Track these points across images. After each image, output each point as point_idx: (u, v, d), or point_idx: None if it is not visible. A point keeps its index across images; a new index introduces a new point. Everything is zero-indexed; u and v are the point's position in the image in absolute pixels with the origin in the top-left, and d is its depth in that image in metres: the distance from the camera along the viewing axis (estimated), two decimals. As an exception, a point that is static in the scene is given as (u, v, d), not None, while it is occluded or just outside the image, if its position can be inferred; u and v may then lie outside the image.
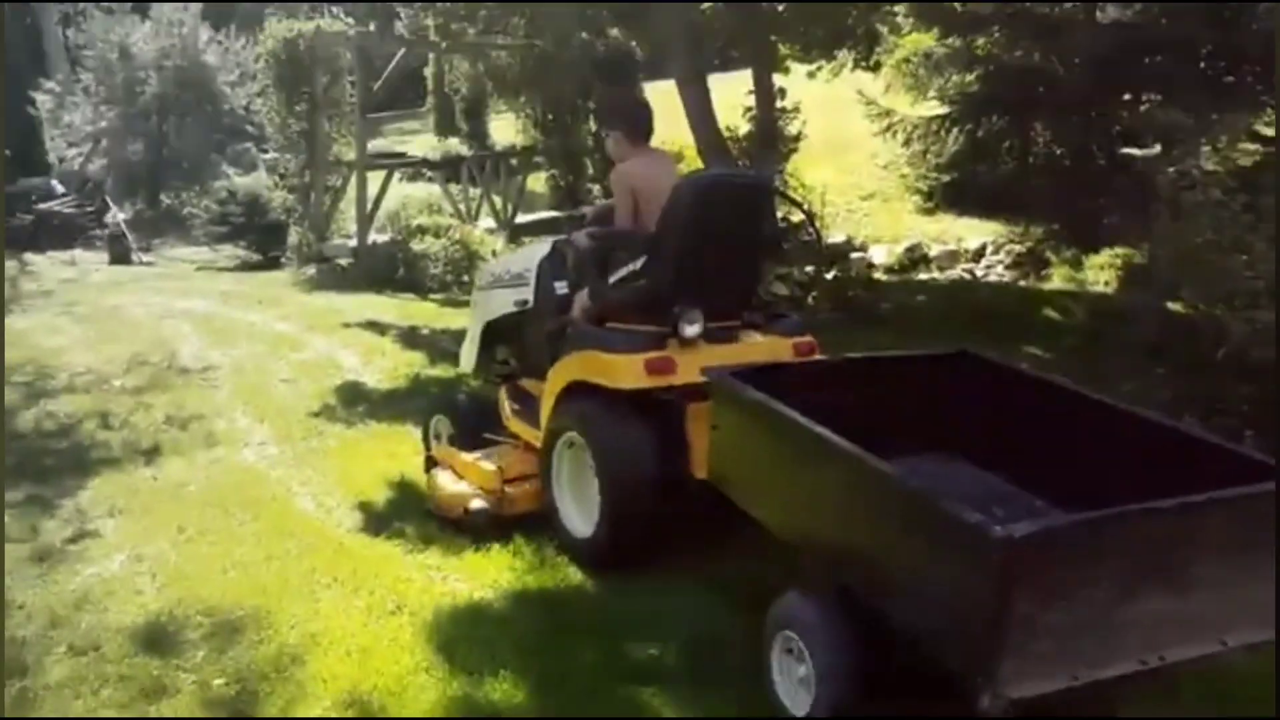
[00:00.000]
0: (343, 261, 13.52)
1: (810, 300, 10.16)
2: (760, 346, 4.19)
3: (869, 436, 2.80)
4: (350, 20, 14.41)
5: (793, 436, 2.98)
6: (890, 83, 15.18)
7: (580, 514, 4.30)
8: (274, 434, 6.51)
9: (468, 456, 4.88)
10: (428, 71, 21.86)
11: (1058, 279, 12.07)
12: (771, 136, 11.46)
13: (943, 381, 3.85)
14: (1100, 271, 11.85)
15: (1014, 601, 2.30)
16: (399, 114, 25.93)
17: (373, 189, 13.74)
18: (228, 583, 4.26)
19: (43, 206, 18.62)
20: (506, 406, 5.00)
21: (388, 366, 8.09)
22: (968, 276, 12.50)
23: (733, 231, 4.20)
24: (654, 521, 4.06)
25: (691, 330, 4.02)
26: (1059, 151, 14.54)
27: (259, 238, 14.86)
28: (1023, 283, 12.14)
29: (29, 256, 17.07)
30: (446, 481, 4.86)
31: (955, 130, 14.65)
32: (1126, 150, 14.03)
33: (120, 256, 16.08)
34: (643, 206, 4.35)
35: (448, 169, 14.97)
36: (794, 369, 3.94)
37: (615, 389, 4.00)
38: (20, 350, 9.14)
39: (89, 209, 19.02)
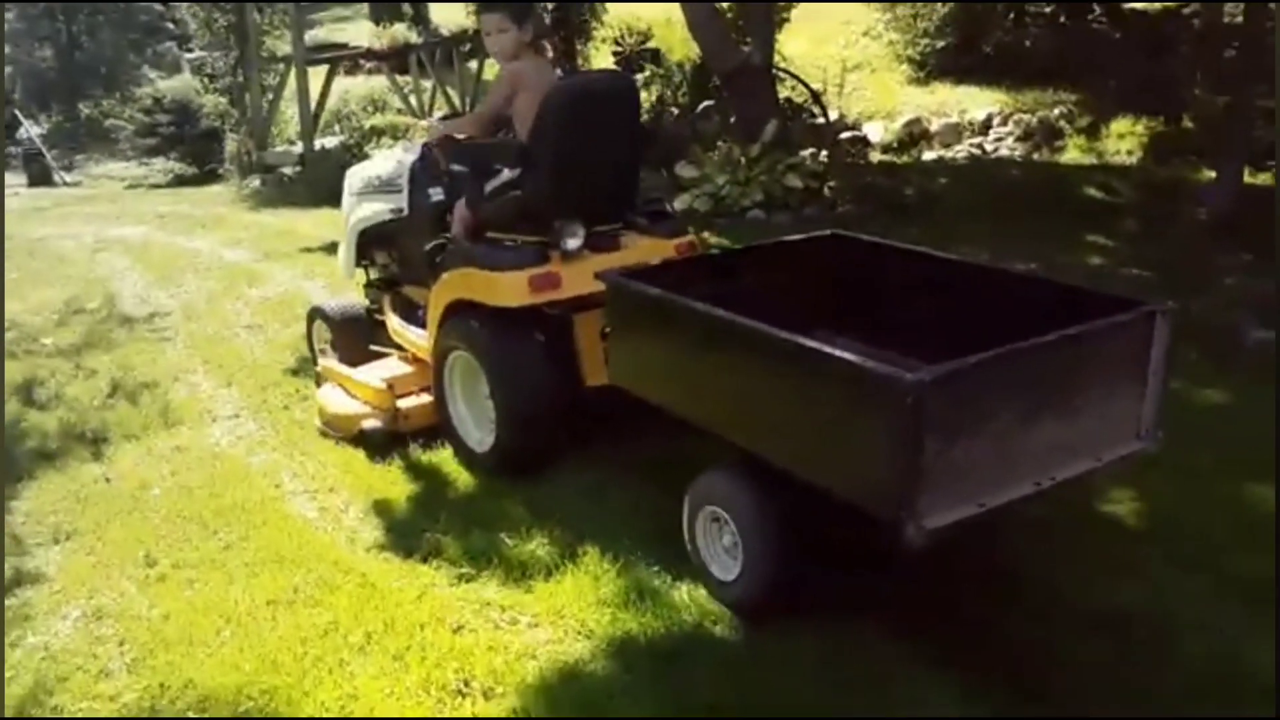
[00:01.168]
0: (288, 171, 12.01)
1: (826, 191, 8.97)
2: (643, 249, 4.11)
3: (753, 319, 2.91)
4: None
5: (695, 323, 3.10)
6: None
7: (478, 426, 4.20)
8: (245, 402, 5.27)
9: (355, 373, 4.71)
10: (358, -48, 19.75)
11: (1073, 151, 10.96)
12: (768, 6, 10.02)
13: (819, 263, 3.98)
14: (1120, 141, 10.76)
15: (927, 441, 2.44)
16: (332, 0, 23.72)
17: (314, 87, 12.11)
18: (223, 653, 3.09)
19: (-55, 124, 16.56)
20: (392, 318, 4.83)
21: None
22: (976, 152, 11.33)
23: (607, 135, 4.08)
24: (552, 432, 4.03)
25: (573, 243, 3.95)
26: (1050, 9, 13.34)
27: (192, 148, 13.21)
28: (1036, 156, 11.02)
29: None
30: (337, 399, 4.68)
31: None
32: (1130, 4, 12.87)
33: (40, 177, 14.32)
34: (521, 110, 4.13)
35: (395, 59, 13.30)
36: (678, 265, 3.96)
37: (500, 306, 3.90)
38: (-71, 302, 7.68)
39: (-2, 125, 17.02)
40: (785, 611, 3.06)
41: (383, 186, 4.79)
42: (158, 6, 18.41)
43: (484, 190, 4.18)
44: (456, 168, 4.28)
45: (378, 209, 4.79)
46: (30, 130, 15.64)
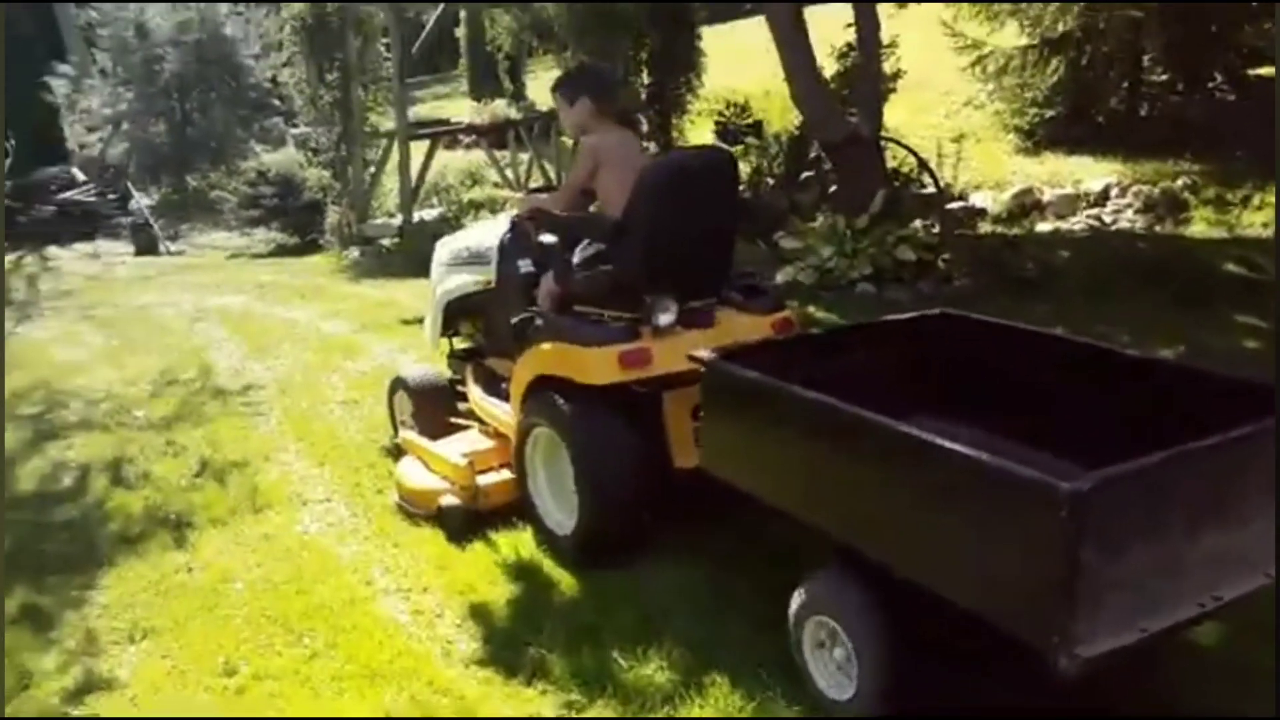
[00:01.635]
0: (387, 242, 11.92)
1: (939, 264, 8.46)
2: (737, 327, 3.92)
3: (858, 404, 2.68)
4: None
5: (801, 412, 2.82)
6: (958, 11, 13.38)
7: (560, 508, 3.97)
8: (337, 485, 4.95)
9: (435, 446, 4.54)
10: (459, 32, 20.06)
11: (1200, 223, 10.26)
12: (876, 77, 9.64)
13: (929, 344, 3.70)
14: (1256, 213, 10.03)
15: (1084, 557, 2.14)
16: (432, 79, 24.21)
17: (414, 162, 12.09)
18: (303, 790, 2.69)
19: (63, 196, 17.07)
20: (474, 389, 4.69)
21: (464, 377, 6.51)
22: (1095, 224, 10.70)
23: (703, 210, 3.91)
24: (637, 515, 3.78)
25: (665, 319, 3.80)
26: (1166, 77, 12.74)
27: (294, 219, 13.24)
28: (1159, 228, 10.34)
29: (52, 250, 15.57)
30: (414, 473, 4.51)
31: (1056, 60, 12.88)
32: (1254, 71, 12.20)
33: (146, 246, 14.54)
34: (605, 183, 4.06)
35: (494, 134, 13.25)
36: (777, 345, 3.73)
37: (587, 383, 3.71)
38: (33, 370, 7.62)
39: (111, 196, 17.48)
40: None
41: (471, 258, 4.73)
42: (266, 84, 18.85)
43: (572, 263, 4.07)
44: (546, 240, 4.21)
45: (465, 280, 4.73)
46: (140, 202, 16.00)
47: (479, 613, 3.59)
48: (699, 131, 15.16)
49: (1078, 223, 10.86)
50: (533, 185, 12.74)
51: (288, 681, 3.24)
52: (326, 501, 4.77)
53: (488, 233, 4.72)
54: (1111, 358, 3.24)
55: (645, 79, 15.06)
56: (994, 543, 2.30)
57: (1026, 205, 11.42)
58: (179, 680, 3.31)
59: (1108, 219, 10.79)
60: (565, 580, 3.78)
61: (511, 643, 3.36)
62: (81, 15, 19.00)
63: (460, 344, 5.10)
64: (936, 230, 8.74)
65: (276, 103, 19.17)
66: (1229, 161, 10.66)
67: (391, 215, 12.52)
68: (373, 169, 12.64)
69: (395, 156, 12.01)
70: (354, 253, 12.12)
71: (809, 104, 9.27)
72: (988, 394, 3.41)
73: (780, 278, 8.62)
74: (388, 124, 12.57)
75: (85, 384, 7.19)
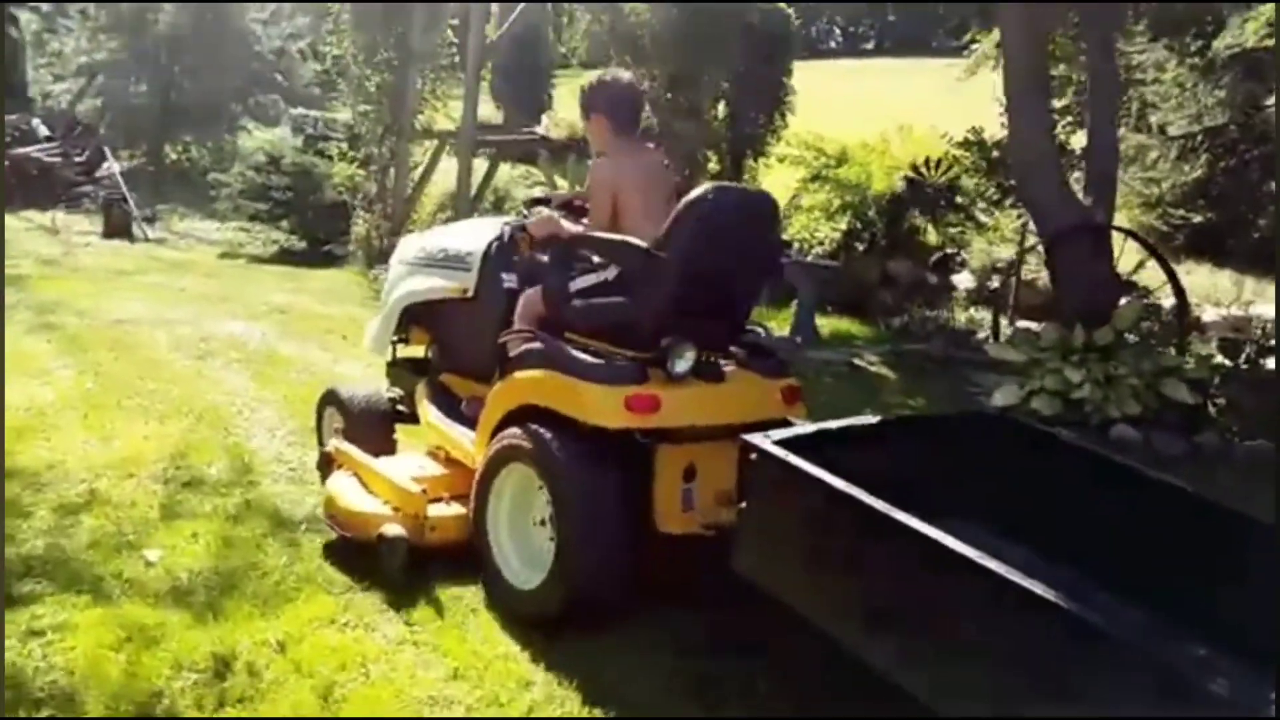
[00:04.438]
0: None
1: (1210, 408, 6.26)
2: (746, 387, 3.51)
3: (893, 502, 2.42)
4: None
5: (916, 546, 2.29)
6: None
7: (522, 559, 3.46)
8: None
9: (378, 464, 3.90)
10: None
11: None
12: (1113, 148, 7.43)
13: (970, 443, 3.26)
14: None
15: None
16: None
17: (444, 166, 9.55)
18: None
19: (19, 151, 14.01)
20: (427, 408, 4.10)
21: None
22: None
23: (740, 255, 3.50)
24: (623, 581, 3.27)
25: (682, 366, 3.33)
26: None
27: (310, 221, 10.50)
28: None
29: (-3, 215, 12.55)
30: (350, 492, 3.82)
31: (1202, 157, 10.97)
32: None
33: (119, 228, 11.66)
34: (622, 210, 3.60)
35: (566, 151, 10.76)
36: (826, 433, 3.09)
37: (585, 423, 3.24)
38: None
39: (77, 158, 14.47)
40: None
41: (447, 261, 4.16)
42: (270, 56, 16.06)
43: (569, 286, 3.61)
44: (539, 256, 3.74)
45: (434, 284, 4.17)
46: (114, 169, 13.04)
47: None
48: (776, 176, 12.93)
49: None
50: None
51: None
52: None
53: (469, 236, 4.17)
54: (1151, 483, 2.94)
55: (721, 112, 12.85)
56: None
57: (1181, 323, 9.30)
58: None
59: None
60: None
61: None
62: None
63: (404, 353, 4.52)
64: (1217, 360, 6.52)
65: (278, 78, 16.40)
66: None
67: (433, 232, 9.94)
68: (417, 173, 10.04)
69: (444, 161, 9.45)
70: (383, 272, 9.50)
71: (1034, 179, 7.02)
72: (1031, 504, 3.03)
73: (1000, 399, 6.39)
74: (442, 123, 10.00)
75: (50, 460, 4.53)
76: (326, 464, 4.13)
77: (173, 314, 7.69)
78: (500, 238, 3.96)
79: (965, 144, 9.23)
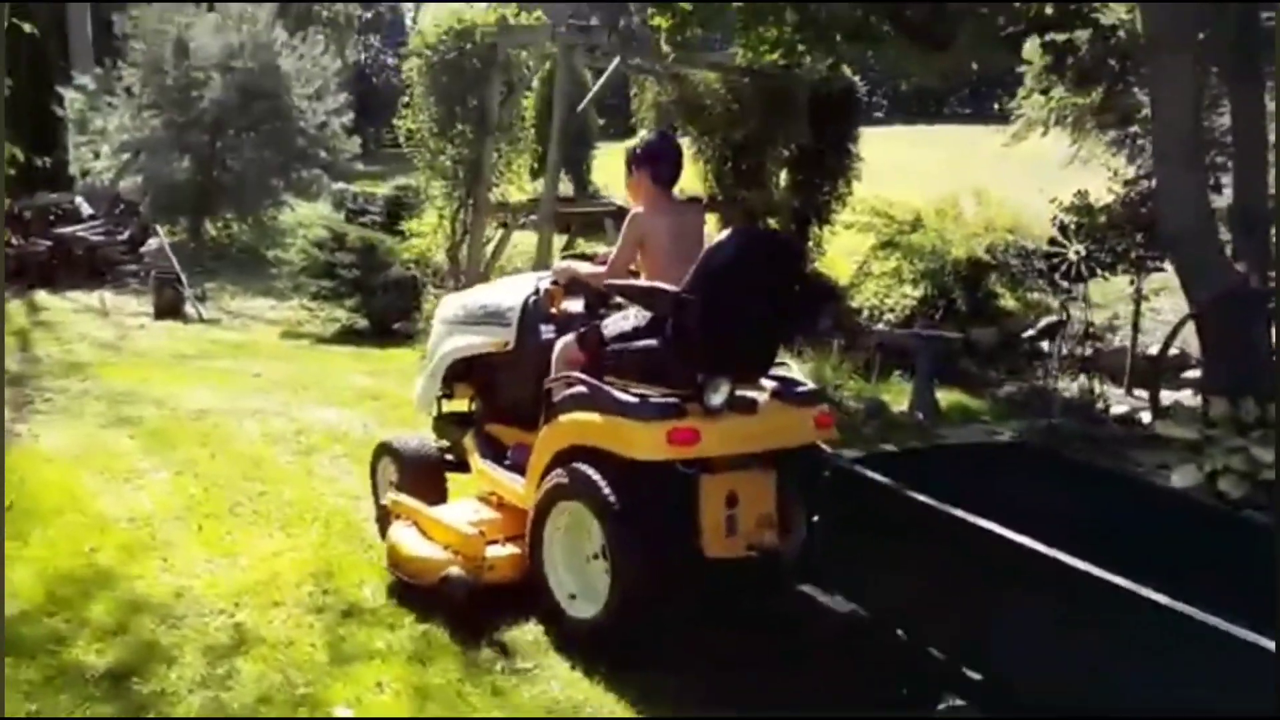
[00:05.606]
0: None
1: None
2: (781, 417, 3.69)
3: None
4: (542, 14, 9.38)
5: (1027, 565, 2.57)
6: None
7: (580, 590, 3.62)
8: None
9: (439, 512, 4.07)
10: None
11: None
12: (1265, 212, 6.91)
13: (1005, 472, 3.42)
14: None
15: None
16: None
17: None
18: None
19: (64, 230, 13.53)
20: (478, 458, 4.27)
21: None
22: None
23: (767, 293, 3.69)
24: (672, 608, 3.46)
25: (717, 400, 3.51)
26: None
27: (375, 300, 9.93)
28: None
29: (43, 297, 12.01)
30: (411, 540, 3.96)
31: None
32: None
33: (171, 307, 11.09)
34: (650, 261, 3.80)
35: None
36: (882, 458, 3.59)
37: (629, 458, 3.41)
38: (55, 524, 4.25)
39: (120, 237, 13.98)
40: None
41: (487, 317, 4.30)
42: (314, 131, 15.68)
43: (602, 332, 3.78)
44: (574, 308, 4.01)
45: (476, 340, 4.32)
46: (164, 242, 12.49)
47: None
48: (842, 243, 12.47)
49: None
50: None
51: None
52: None
53: (507, 292, 4.36)
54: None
55: (784, 177, 12.41)
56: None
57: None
58: None
59: None
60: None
61: None
62: (116, 22, 15.57)
63: (449, 408, 4.71)
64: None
65: (322, 154, 16.00)
66: None
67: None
68: (491, 247, 9.52)
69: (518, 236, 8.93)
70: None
71: (1192, 243, 6.48)
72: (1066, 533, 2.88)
73: (1178, 480, 5.75)
74: (516, 195, 9.52)
75: (175, 586, 3.90)
76: (384, 517, 4.31)
77: (255, 403, 7.09)
78: (536, 293, 4.14)
79: (1072, 209, 8.73)
